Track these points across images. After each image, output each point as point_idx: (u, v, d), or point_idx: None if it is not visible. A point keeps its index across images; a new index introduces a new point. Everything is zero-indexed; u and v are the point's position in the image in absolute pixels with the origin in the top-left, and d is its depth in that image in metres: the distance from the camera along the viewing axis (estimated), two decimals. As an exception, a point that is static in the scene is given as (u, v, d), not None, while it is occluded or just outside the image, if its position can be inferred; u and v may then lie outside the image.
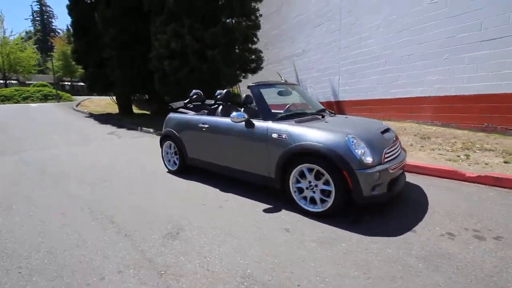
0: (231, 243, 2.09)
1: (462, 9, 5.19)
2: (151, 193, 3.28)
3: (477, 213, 2.42)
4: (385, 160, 2.40)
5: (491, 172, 3.21)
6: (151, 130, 9.07)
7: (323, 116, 3.15)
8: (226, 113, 3.60)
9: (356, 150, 2.26)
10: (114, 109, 15.73)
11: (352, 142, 2.30)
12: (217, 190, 3.28)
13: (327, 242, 2.05)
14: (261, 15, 10.01)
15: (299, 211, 2.56)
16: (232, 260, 1.88)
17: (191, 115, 3.84)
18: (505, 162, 3.59)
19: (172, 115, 4.16)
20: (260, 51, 10.02)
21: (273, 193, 3.02)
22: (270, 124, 2.79)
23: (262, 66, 10.29)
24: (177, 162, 4.01)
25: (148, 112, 15.43)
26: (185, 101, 4.37)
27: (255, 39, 9.76)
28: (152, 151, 6.01)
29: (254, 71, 10.26)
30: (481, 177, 3.13)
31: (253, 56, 9.84)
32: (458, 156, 3.98)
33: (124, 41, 10.94)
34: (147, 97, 14.00)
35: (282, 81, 3.68)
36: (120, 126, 10.76)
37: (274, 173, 2.73)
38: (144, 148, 6.40)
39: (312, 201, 2.50)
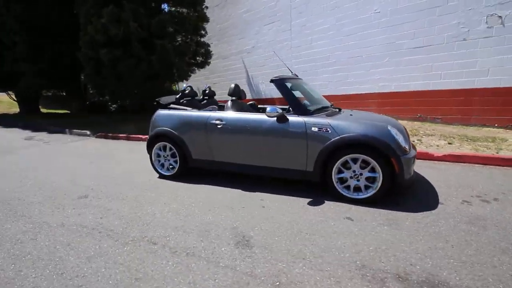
0: (319, 241, 2.08)
1: (399, 20, 6.31)
2: (174, 207, 2.89)
3: (467, 184, 3.08)
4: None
5: (451, 151, 4.10)
6: (88, 132, 7.64)
7: (339, 110, 3.37)
8: (239, 109, 3.42)
9: (398, 139, 2.56)
10: (8, 108, 12.44)
11: (394, 132, 2.59)
12: (239, 191, 3.13)
13: (393, 224, 2.27)
14: (206, 7, 9.64)
15: (340, 200, 2.72)
16: (343, 255, 1.89)
17: (197, 112, 3.47)
18: (449, 143, 4.63)
19: (164, 112, 3.67)
20: (208, 45, 9.67)
21: (298, 186, 3.10)
22: (307, 118, 2.83)
23: (209, 60, 9.97)
24: (175, 165, 3.59)
25: (63, 112, 12.82)
26: (177, 96, 3.90)
27: (203, 32, 9.36)
28: (113, 156, 5.19)
29: (201, 65, 9.85)
30: (446, 156, 3.97)
31: (202, 50, 9.42)
32: (413, 141, 4.90)
33: (35, 24, 8.71)
34: (64, 93, 11.48)
35: (292, 75, 3.73)
36: (36, 129, 8.64)
37: (313, 166, 2.80)
38: (97, 154, 5.43)
39: (356, 189, 2.69)
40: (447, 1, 5.61)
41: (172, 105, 3.77)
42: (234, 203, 2.81)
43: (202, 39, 9.38)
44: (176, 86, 13.18)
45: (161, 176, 3.73)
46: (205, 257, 1.90)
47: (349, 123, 2.70)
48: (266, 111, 2.86)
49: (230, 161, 3.27)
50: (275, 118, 2.92)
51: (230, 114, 3.24)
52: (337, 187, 2.74)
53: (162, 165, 3.73)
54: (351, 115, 3.06)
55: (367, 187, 2.65)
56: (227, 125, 3.18)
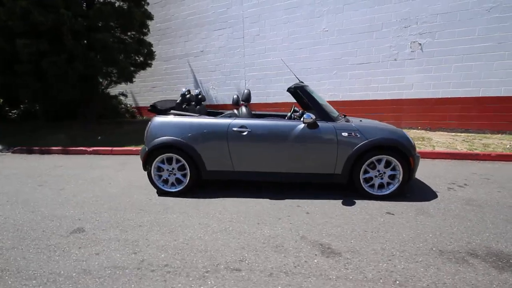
0: (387, 237, 2.28)
1: (344, 39, 7.33)
2: (216, 227, 2.62)
3: (437, 175, 3.88)
4: None
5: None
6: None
7: (344, 116, 3.69)
8: (251, 114, 3.31)
9: (412, 141, 3.04)
10: None
11: (408, 135, 3.06)
12: (268, 200, 3.08)
13: (424, 213, 2.70)
14: (148, 3, 8.79)
15: (366, 198, 3.02)
16: (418, 245, 2.13)
17: (214, 119, 3.16)
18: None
19: (166, 119, 3.22)
20: (151, 45, 8.82)
21: (311, 190, 3.27)
22: (336, 124, 3.01)
23: (151, 62, 9.10)
24: (183, 179, 3.17)
25: None
26: (177, 101, 3.44)
27: (145, 30, 8.49)
28: (69, 176, 4.21)
29: (142, 66, 8.89)
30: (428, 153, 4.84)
31: (145, 50, 8.51)
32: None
33: None
34: None
35: (299, 83, 3.83)
36: None
37: (341, 169, 3.00)
38: (40, 175, 4.30)
39: (379, 186, 3.03)
40: (381, 28, 6.90)
41: (172, 112, 3.32)
42: (275, 213, 2.73)
43: (145, 38, 8.44)
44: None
45: (163, 194, 3.22)
46: (308, 273, 1.82)
47: (373, 128, 3.04)
48: (304, 117, 2.90)
49: (253, 170, 3.14)
50: (305, 125, 2.99)
51: (255, 121, 3.11)
52: (364, 186, 3.03)
53: (165, 181, 3.22)
54: (361, 121, 3.43)
55: (387, 184, 3.03)
56: (253, 132, 3.05)
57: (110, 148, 5.59)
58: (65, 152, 5.59)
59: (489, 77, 6.00)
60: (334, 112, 3.47)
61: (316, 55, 7.74)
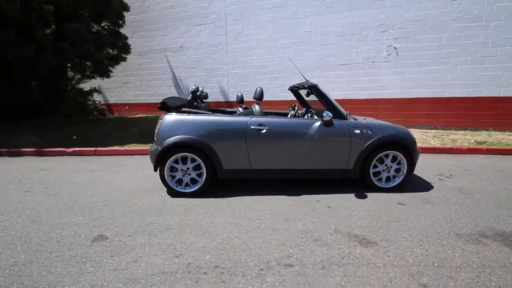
0: (409, 225, 2.50)
1: (327, 40, 7.65)
2: (247, 226, 2.61)
3: (423, 168, 4.28)
4: None
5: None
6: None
7: (349, 114, 3.88)
8: (265, 112, 3.33)
9: (414, 137, 3.32)
10: None
11: (410, 132, 3.34)
12: (287, 197, 3.16)
13: (429, 202, 2.98)
14: (121, -6, 8.23)
15: (374, 191, 3.25)
16: (437, 230, 2.37)
17: (231, 117, 3.11)
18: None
19: (180, 117, 3.10)
20: (127, 37, 8.30)
21: (320, 185, 3.42)
22: (348, 122, 3.17)
23: (126, 56, 8.56)
24: (199, 179, 3.10)
25: None
26: (189, 98, 3.30)
27: (121, 22, 7.95)
28: (56, 180, 3.94)
29: (116, 61, 8.33)
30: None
31: (120, 43, 7.97)
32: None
33: None
34: None
35: (306, 82, 3.92)
36: None
37: (353, 164, 3.18)
38: (24, 180, 3.89)
39: (386, 180, 3.27)
40: (361, 31, 7.35)
41: (184, 109, 3.19)
42: (299, 209, 2.81)
43: (120, 30, 7.88)
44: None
45: (176, 195, 3.09)
46: (357, 263, 1.93)
47: (380, 125, 3.27)
48: (324, 115, 3.00)
49: (270, 168, 3.18)
50: (321, 122, 3.10)
51: (273, 119, 3.14)
52: (373, 180, 3.24)
53: (179, 182, 3.09)
54: (364, 119, 3.65)
55: (393, 177, 3.29)
56: (271, 130, 3.08)
57: (93, 149, 5.15)
58: (40, 154, 5.01)
59: (454, 80, 6.77)
60: (344, 110, 3.64)
61: (300, 55, 7.96)
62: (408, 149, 3.23)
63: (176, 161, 3.07)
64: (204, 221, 2.54)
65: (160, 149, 2.99)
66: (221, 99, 9.09)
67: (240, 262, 1.92)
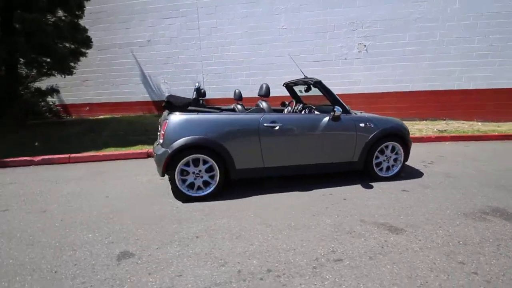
0: (421, 210, 2.72)
1: (302, 37, 7.83)
2: (278, 225, 2.56)
3: (416, 154, 4.58)
4: None
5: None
6: None
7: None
8: (275, 109, 3.31)
9: (407, 127, 3.60)
10: None
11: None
12: (300, 193, 3.19)
13: (427, 187, 3.28)
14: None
15: (375, 180, 3.46)
16: (446, 213, 2.60)
17: (243, 114, 3.00)
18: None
19: (189, 116, 2.94)
20: (86, 30, 7.48)
21: (325, 179, 3.56)
22: (353, 116, 3.30)
23: (86, 51, 7.73)
24: (212, 181, 2.96)
25: None
26: (194, 96, 3.09)
27: (80, 13, 7.14)
28: (37, 194, 3.37)
29: (76, 56, 7.48)
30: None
31: (80, 36, 7.16)
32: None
33: None
34: None
35: (305, 78, 3.95)
36: None
37: (358, 157, 3.34)
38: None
39: (386, 169, 3.50)
40: (334, 29, 7.67)
41: (191, 108, 2.99)
42: (319, 203, 2.88)
43: (80, 22, 7.02)
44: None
45: (187, 200, 2.91)
46: (397, 250, 2.05)
47: (379, 119, 3.47)
48: (335, 110, 3.07)
49: (283, 165, 3.17)
50: (330, 117, 3.18)
51: (285, 115, 3.12)
52: (376, 170, 3.45)
53: (190, 186, 2.90)
54: (361, 112, 3.83)
55: (392, 166, 3.53)
56: (284, 127, 3.06)
57: (67, 156, 4.55)
58: (1, 164, 4.25)
59: (417, 75, 7.48)
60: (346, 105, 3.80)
61: (276, 51, 8.02)
62: (405, 140, 3.49)
63: (186, 164, 2.88)
64: (231, 224, 2.44)
65: (169, 151, 2.77)
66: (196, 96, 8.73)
67: (291, 263, 1.89)
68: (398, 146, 3.49)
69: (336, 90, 7.80)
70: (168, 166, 2.82)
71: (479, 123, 7.08)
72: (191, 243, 2.16)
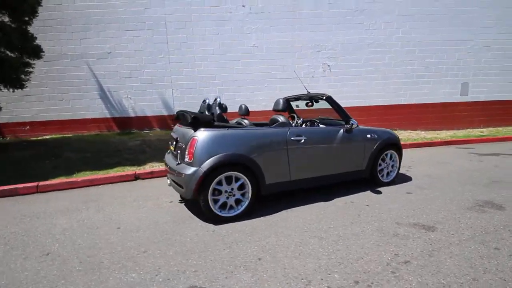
0: (431, 207, 3.09)
1: (272, 56, 8.21)
2: (332, 234, 2.57)
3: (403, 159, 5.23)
4: None
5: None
6: None
7: None
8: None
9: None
10: None
11: (395, 133, 4.08)
12: (323, 203, 3.31)
13: (423, 188, 3.76)
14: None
15: (380, 186, 3.81)
16: (451, 207, 3.01)
17: (272, 129, 2.96)
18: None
19: (220, 132, 2.82)
20: (35, 38, 6.52)
21: (331, 190, 3.81)
22: (361, 128, 3.60)
23: (33, 62, 6.72)
24: (244, 199, 2.84)
25: None
26: (217, 112, 2.93)
27: (28, 19, 6.20)
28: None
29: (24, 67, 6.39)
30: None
31: (29, 45, 6.19)
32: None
33: None
34: None
35: (310, 93, 4.16)
36: None
37: (365, 165, 3.64)
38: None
39: (386, 175, 3.88)
40: (301, 50, 8.27)
41: (217, 123, 2.84)
42: (348, 212, 3.04)
43: (28, 28, 6.01)
44: None
45: (218, 221, 2.71)
46: (443, 245, 2.32)
47: (381, 130, 3.86)
48: (352, 123, 3.30)
49: (307, 177, 3.24)
50: (344, 129, 3.41)
51: (308, 129, 3.22)
52: (379, 176, 3.78)
53: (223, 206, 2.71)
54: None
55: (390, 172, 3.93)
56: (308, 140, 3.15)
57: (34, 184, 3.73)
58: None
59: (371, 92, 8.53)
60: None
61: (248, 68, 8.21)
62: (399, 148, 3.96)
63: (219, 183, 2.70)
64: (284, 241, 2.38)
65: (204, 170, 2.56)
66: (164, 113, 8.24)
67: (369, 271, 1.94)
68: (395, 154, 3.93)
69: (304, 106, 8.40)
70: (201, 186, 2.60)
71: (423, 132, 8.42)
72: (258, 266, 2.02)
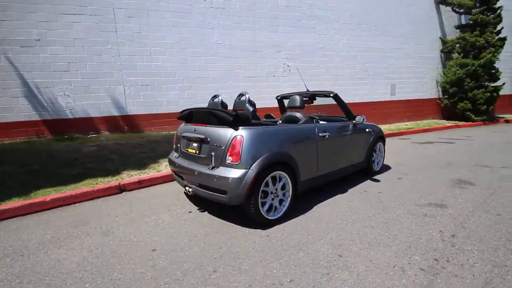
0: (425, 189, 3.57)
1: (235, 54, 8.05)
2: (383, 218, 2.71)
3: None
4: None
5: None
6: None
7: None
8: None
9: (381, 132, 4.61)
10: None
11: (379, 128, 4.58)
12: (344, 195, 3.47)
13: (404, 173, 4.34)
14: None
15: (373, 175, 4.26)
16: (437, 179, 3.57)
17: (304, 125, 2.92)
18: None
19: (262, 130, 2.67)
20: None
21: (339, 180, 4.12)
22: (362, 123, 3.91)
23: None
24: (285, 199, 2.75)
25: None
26: (251, 109, 2.70)
27: None
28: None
29: None
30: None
31: None
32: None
33: None
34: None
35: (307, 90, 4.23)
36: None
37: (364, 157, 4.00)
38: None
39: (376, 164, 4.34)
40: (263, 49, 8.37)
41: (254, 121, 2.64)
42: (373, 200, 3.29)
43: None
44: None
45: (268, 225, 2.55)
46: (466, 219, 2.71)
47: (372, 125, 4.25)
48: (362, 118, 3.53)
49: (328, 171, 3.33)
50: (352, 124, 3.65)
51: (327, 125, 3.31)
52: (373, 165, 4.19)
53: (270, 208, 2.54)
54: None
55: (379, 162, 4.41)
56: (330, 136, 3.23)
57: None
58: None
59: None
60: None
61: (212, 65, 7.84)
62: (384, 140, 4.46)
63: (266, 184, 2.51)
64: (345, 236, 2.43)
65: (255, 171, 2.34)
66: (115, 113, 7.10)
67: (436, 249, 2.18)
68: (382, 145, 4.43)
69: (269, 103, 8.58)
70: (254, 187, 2.37)
71: (366, 127, 9.70)
72: (346, 263, 2.01)
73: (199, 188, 2.73)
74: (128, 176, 4.17)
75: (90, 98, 6.92)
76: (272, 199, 2.66)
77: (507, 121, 10.58)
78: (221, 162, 2.54)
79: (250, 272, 1.92)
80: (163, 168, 4.59)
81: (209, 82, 7.96)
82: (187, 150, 2.95)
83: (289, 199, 2.80)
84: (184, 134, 3.04)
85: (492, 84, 9.94)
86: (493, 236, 2.34)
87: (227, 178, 2.43)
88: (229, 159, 2.48)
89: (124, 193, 3.69)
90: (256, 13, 8.27)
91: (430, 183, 3.83)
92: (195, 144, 2.84)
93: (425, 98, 11.12)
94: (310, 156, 3.07)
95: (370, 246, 2.22)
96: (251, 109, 2.87)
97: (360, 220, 2.71)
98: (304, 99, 4.44)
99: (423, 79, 11.00)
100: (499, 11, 9.51)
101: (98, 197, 3.49)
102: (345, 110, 3.93)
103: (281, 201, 2.77)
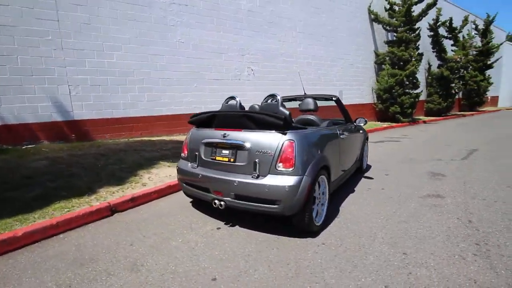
0: (426, 186, 4.04)
1: (200, 54, 7.59)
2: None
3: None
4: None
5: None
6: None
7: None
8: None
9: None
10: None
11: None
12: (358, 194, 3.58)
13: (386, 170, 4.79)
14: None
15: (363, 172, 4.56)
16: (422, 171, 4.09)
17: (329, 127, 2.91)
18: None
19: (306, 133, 2.60)
20: None
21: None
22: (358, 125, 4.15)
23: None
24: (324, 203, 2.71)
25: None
26: (287, 112, 2.51)
27: None
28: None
29: None
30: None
31: None
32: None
33: None
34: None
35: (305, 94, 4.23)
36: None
37: (358, 156, 4.27)
38: None
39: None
40: (227, 52, 8.13)
41: (295, 124, 2.52)
42: (378, 196, 3.51)
43: None
44: None
45: (313, 233, 2.45)
46: (470, 205, 3.13)
47: (359, 126, 4.55)
48: (364, 121, 3.73)
49: (343, 171, 3.41)
50: (355, 126, 3.85)
51: (343, 127, 3.35)
52: (363, 164, 4.52)
53: (316, 213, 2.43)
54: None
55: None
56: (347, 137, 3.34)
57: None
58: None
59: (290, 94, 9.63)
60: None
61: (175, 66, 7.21)
62: (368, 139, 4.86)
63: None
64: (389, 234, 2.50)
65: (311, 178, 2.19)
66: (58, 118, 5.79)
67: (468, 234, 2.45)
68: (367, 145, 4.80)
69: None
70: (309, 197, 2.21)
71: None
72: (415, 261, 2.07)
73: (235, 200, 2.43)
74: (108, 194, 3.43)
75: (24, 99, 5.49)
76: (317, 204, 2.58)
77: (424, 122, 12.97)
78: (270, 170, 2.32)
79: (340, 285, 1.79)
80: (148, 180, 3.96)
81: (173, 84, 7.30)
82: (215, 159, 2.60)
83: (326, 202, 2.76)
84: (207, 141, 2.67)
85: (414, 91, 12.03)
86: (497, 218, 2.78)
87: (282, 186, 2.23)
88: (279, 166, 2.28)
89: (116, 214, 3.01)
90: (220, 14, 8.02)
91: (411, 177, 4.34)
92: (226, 152, 2.52)
93: (364, 103, 12.68)
94: (336, 158, 3.11)
95: (420, 241, 2.35)
96: (287, 112, 2.72)
97: (389, 216, 2.86)
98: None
99: (361, 86, 12.52)
100: (417, 31, 11.65)
101: (86, 223, 2.76)
102: (345, 113, 4.13)
103: (322, 205, 2.70)
